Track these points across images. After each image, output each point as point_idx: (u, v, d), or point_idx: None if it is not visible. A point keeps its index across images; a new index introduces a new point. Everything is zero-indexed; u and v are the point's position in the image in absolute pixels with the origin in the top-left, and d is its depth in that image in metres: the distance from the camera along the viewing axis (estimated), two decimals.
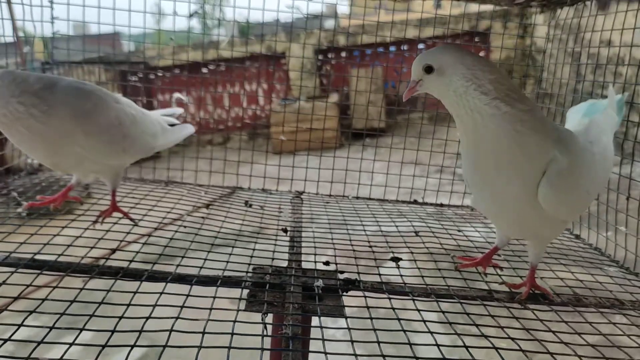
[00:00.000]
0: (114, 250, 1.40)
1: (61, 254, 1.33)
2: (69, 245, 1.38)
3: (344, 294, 1.27)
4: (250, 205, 1.97)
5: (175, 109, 1.84)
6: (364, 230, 1.74)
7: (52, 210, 1.62)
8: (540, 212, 1.10)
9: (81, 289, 1.16)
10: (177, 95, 2.14)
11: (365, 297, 1.22)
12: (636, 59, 1.93)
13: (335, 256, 1.49)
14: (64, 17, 2.13)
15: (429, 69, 1.12)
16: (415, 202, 2.27)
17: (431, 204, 2.23)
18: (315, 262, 1.45)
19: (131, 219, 1.60)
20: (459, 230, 1.80)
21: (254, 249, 1.49)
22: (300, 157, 2.36)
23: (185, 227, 1.61)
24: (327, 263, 1.45)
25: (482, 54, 8.29)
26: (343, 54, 8.29)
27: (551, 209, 1.10)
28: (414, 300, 1.22)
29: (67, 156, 1.43)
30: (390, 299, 1.22)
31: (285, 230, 1.70)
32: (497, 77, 1.08)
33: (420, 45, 7.43)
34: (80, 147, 1.40)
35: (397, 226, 1.81)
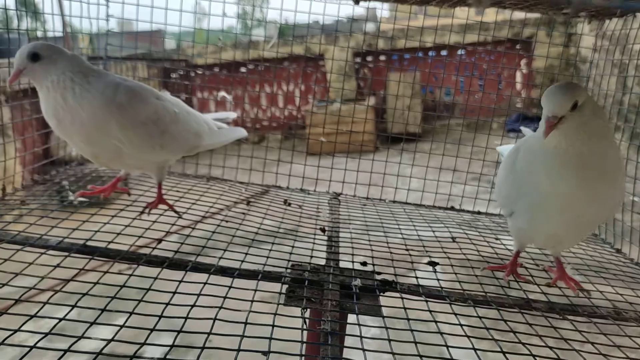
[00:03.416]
0: (159, 241, 1.46)
1: (111, 241, 1.39)
2: (118, 234, 1.44)
3: (381, 294, 1.29)
4: (289, 204, 2.00)
5: (228, 113, 1.89)
6: (401, 234, 1.76)
7: (102, 200, 1.69)
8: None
9: (130, 275, 1.21)
10: (222, 93, 2.21)
11: (402, 298, 1.23)
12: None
13: (372, 257, 1.51)
14: (118, 14, 2.22)
15: (574, 106, 1.13)
16: (452, 208, 2.26)
17: (468, 211, 2.23)
18: (352, 262, 1.47)
19: (176, 212, 1.66)
20: (496, 239, 1.79)
21: (293, 247, 1.53)
22: (337, 159, 2.38)
23: (227, 222, 1.65)
24: (364, 264, 1.47)
25: (524, 61, 8.14)
26: (382, 58, 8.30)
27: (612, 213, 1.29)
28: (451, 304, 1.23)
29: (105, 148, 1.46)
30: (427, 301, 1.23)
31: (323, 230, 1.72)
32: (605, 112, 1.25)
33: (460, 52, 7.39)
34: (116, 140, 1.44)
35: (433, 231, 1.82)
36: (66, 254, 1.30)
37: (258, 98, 7.02)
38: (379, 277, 1.38)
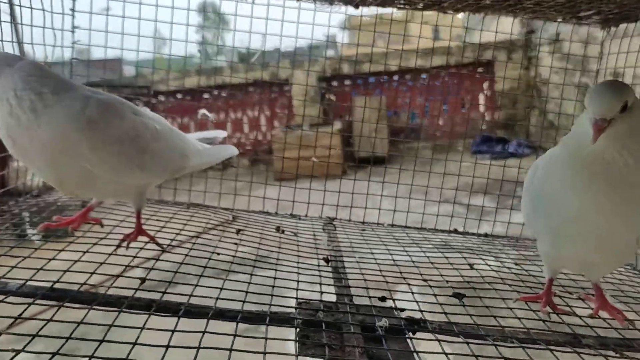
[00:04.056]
0: (143, 280, 1.23)
1: (84, 282, 1.16)
2: (92, 273, 1.21)
3: (411, 336, 1.10)
4: (283, 232, 1.80)
5: (217, 132, 1.69)
6: (412, 261, 1.58)
7: (70, 233, 1.46)
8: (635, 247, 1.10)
9: (110, 324, 0.99)
10: (202, 111, 2.02)
11: (438, 340, 1.05)
12: None
13: (389, 290, 1.32)
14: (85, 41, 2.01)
15: (624, 107, 0.99)
16: (455, 231, 2.10)
17: (474, 234, 2.07)
18: (369, 297, 1.28)
19: (158, 244, 1.44)
20: (516, 264, 1.63)
21: (298, 281, 1.33)
22: (305, 184, 2.21)
23: (218, 253, 1.44)
24: (382, 299, 1.28)
25: (486, 84, 8.26)
26: (346, 82, 8.26)
27: None
28: (495, 345, 1.05)
29: (71, 172, 1.24)
30: (467, 343, 1.05)
31: (327, 260, 1.53)
32: None
33: (423, 75, 7.40)
34: (85, 161, 1.22)
35: (446, 257, 1.64)
36: (30, 300, 1.07)
37: (223, 125, 6.86)
38: (403, 315, 1.19)
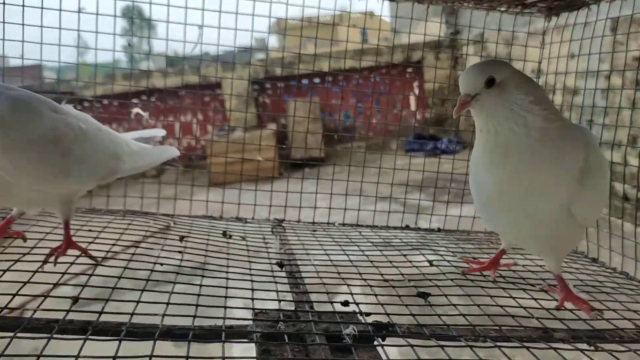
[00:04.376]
0: (75, 300, 1.08)
1: (5, 306, 1.00)
2: (14, 295, 1.04)
3: (381, 342, 1.02)
4: (230, 237, 1.68)
5: (155, 131, 1.54)
6: (371, 262, 1.50)
7: None
8: (568, 221, 1.11)
9: (39, 355, 0.84)
10: (136, 110, 1.83)
11: (411, 346, 0.97)
12: (569, 88, 1.99)
13: (350, 294, 1.24)
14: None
15: (490, 82, 1.03)
16: (407, 227, 2.05)
17: (427, 230, 2.02)
18: (331, 302, 1.19)
19: (91, 257, 1.28)
20: (474, 258, 1.59)
21: (252, 289, 1.21)
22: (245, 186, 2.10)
23: (161, 264, 1.30)
24: (345, 303, 1.19)
25: (416, 83, 8.44)
26: (279, 85, 8.16)
27: (586, 211, 1.12)
28: (471, 347, 0.99)
29: None
30: (442, 347, 0.98)
31: (281, 265, 1.42)
32: (540, 89, 1.11)
33: (356, 76, 7.42)
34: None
35: (404, 254, 1.58)
36: None
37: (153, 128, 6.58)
38: (369, 319, 1.11)
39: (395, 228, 2.03)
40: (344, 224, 2.03)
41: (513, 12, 1.82)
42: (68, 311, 1.00)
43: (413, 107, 9.70)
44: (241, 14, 2.02)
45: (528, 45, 2.09)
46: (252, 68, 7.00)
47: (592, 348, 1.04)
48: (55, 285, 1.13)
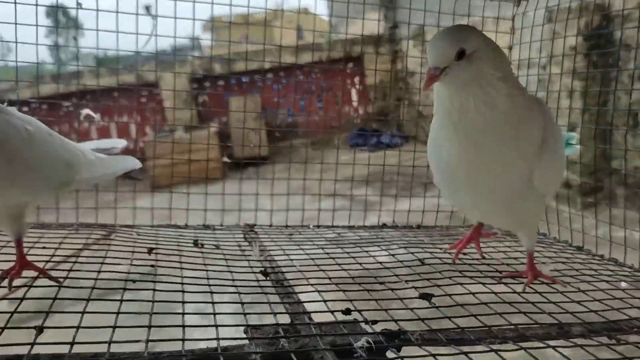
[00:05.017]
0: (38, 329, 0.91)
1: None
2: None
3: (398, 354, 0.92)
4: (202, 246, 1.54)
5: (116, 141, 1.38)
6: (359, 263, 1.40)
7: None
8: (530, 194, 1.12)
9: None
10: (86, 111, 1.65)
11: (432, 355, 0.87)
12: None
13: (349, 300, 1.13)
14: None
15: (460, 55, 0.97)
16: (384, 225, 1.96)
17: (405, 227, 1.94)
18: (331, 311, 1.08)
19: (52, 278, 1.11)
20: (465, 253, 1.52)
21: (241, 302, 1.09)
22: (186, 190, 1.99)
23: (134, 281, 1.14)
24: (347, 311, 1.09)
25: (357, 78, 8.44)
26: (220, 83, 7.95)
27: (546, 181, 1.12)
28: (496, 352, 0.90)
29: None
30: (466, 354, 0.89)
31: (265, 274, 1.30)
32: (506, 61, 1.08)
33: (297, 72, 7.35)
34: None
35: (392, 254, 1.49)
36: None
37: (87, 132, 6.17)
38: (377, 328, 1.01)
39: (373, 227, 1.94)
40: (318, 226, 1.92)
41: None
42: (32, 344, 0.84)
43: (355, 102, 9.74)
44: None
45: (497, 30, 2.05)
46: (190, 65, 6.79)
47: (614, 341, 0.99)
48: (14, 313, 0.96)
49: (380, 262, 1.41)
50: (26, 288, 1.07)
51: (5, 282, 1.09)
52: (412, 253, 1.50)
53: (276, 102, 7.85)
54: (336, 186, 2.11)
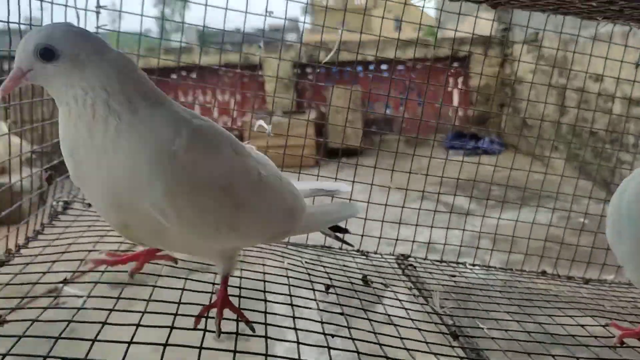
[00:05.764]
0: None
1: None
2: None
3: None
4: (372, 283, 1.43)
5: (342, 186, 1.25)
6: (572, 336, 1.26)
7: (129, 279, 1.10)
8: None
9: None
10: (259, 122, 1.59)
11: None
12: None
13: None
14: None
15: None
16: (544, 273, 1.79)
17: (585, 282, 1.75)
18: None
19: (249, 322, 1.04)
20: None
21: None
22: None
23: (333, 336, 1.06)
24: None
25: (460, 79, 8.10)
26: (321, 70, 7.87)
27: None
28: None
29: (139, 219, 0.88)
30: None
31: (454, 335, 1.18)
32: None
33: (400, 67, 7.14)
34: (157, 210, 0.85)
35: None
36: None
37: (191, 107, 6.32)
38: None
39: (531, 272, 1.78)
40: (474, 265, 1.78)
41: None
42: None
43: (456, 102, 9.44)
44: None
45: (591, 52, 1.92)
46: (294, 51, 6.78)
47: None
48: None
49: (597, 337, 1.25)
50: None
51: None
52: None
53: (375, 96, 7.69)
54: (427, 190, 1.94)
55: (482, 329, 1.25)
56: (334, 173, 1.76)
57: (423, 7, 2.15)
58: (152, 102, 0.86)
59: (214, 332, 0.97)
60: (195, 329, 0.99)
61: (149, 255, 1.13)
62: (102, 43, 0.86)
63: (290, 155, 1.86)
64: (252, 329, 1.03)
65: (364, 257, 1.71)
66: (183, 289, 1.14)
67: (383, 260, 1.70)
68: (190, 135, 0.86)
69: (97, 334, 0.91)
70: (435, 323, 1.24)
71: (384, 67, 8.59)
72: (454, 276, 1.64)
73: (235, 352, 0.92)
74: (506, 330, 1.24)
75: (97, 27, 1.60)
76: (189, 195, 0.86)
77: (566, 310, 1.43)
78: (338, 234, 1.25)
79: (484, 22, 2.06)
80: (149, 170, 0.82)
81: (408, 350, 1.04)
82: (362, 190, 1.79)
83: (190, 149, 0.85)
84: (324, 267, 1.50)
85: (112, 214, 0.91)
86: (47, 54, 0.80)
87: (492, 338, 1.20)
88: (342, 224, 1.26)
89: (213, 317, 1.00)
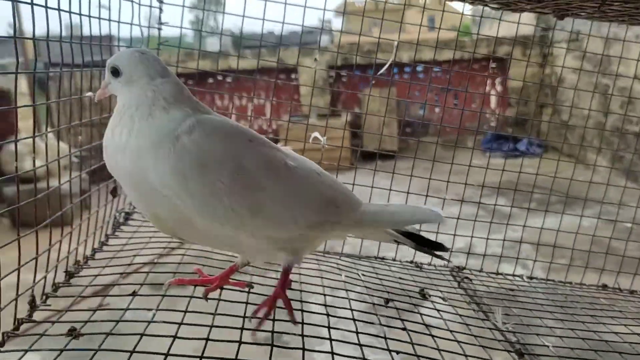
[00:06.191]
0: None
1: None
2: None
3: None
4: (429, 296, 1.42)
5: (435, 215, 1.12)
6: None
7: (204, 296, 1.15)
8: None
9: None
10: (315, 134, 1.59)
11: None
12: None
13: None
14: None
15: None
16: (605, 286, 1.74)
17: (630, 293, 1.70)
18: None
19: (293, 317, 1.05)
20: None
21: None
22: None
23: None
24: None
25: (498, 80, 7.88)
26: (356, 72, 7.85)
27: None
28: None
29: (162, 205, 0.96)
30: None
31: (520, 353, 1.15)
32: None
33: (436, 68, 7.06)
34: (174, 194, 0.93)
35: None
36: None
37: (227, 109, 6.36)
38: None
39: (591, 286, 1.73)
40: (531, 278, 1.74)
41: None
42: None
43: (493, 104, 9.31)
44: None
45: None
46: (329, 54, 6.78)
47: None
48: None
49: None
50: None
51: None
52: None
53: (411, 97, 7.63)
54: (466, 192, 1.85)
55: (548, 346, 1.21)
56: (370, 176, 1.76)
57: (462, 13, 2.10)
58: (173, 109, 0.97)
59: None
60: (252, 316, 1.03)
61: (223, 280, 1.18)
62: (155, 69, 1.00)
63: (326, 157, 1.85)
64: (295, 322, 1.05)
65: (418, 268, 1.69)
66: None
67: (437, 272, 1.67)
68: (194, 122, 0.95)
69: (169, 349, 0.92)
70: (499, 340, 1.21)
71: (419, 68, 8.53)
72: (512, 290, 1.61)
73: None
74: (572, 349, 1.21)
75: (159, 44, 1.67)
76: (196, 176, 0.91)
77: (633, 328, 1.38)
78: (425, 248, 1.20)
79: (522, 23, 1.99)
80: (155, 153, 0.92)
81: None
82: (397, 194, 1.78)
83: (193, 133, 0.93)
84: (380, 279, 1.48)
85: (141, 205, 1.03)
86: (114, 72, 1.01)
87: (560, 357, 1.17)
88: (428, 235, 1.23)
89: (256, 317, 1.03)
